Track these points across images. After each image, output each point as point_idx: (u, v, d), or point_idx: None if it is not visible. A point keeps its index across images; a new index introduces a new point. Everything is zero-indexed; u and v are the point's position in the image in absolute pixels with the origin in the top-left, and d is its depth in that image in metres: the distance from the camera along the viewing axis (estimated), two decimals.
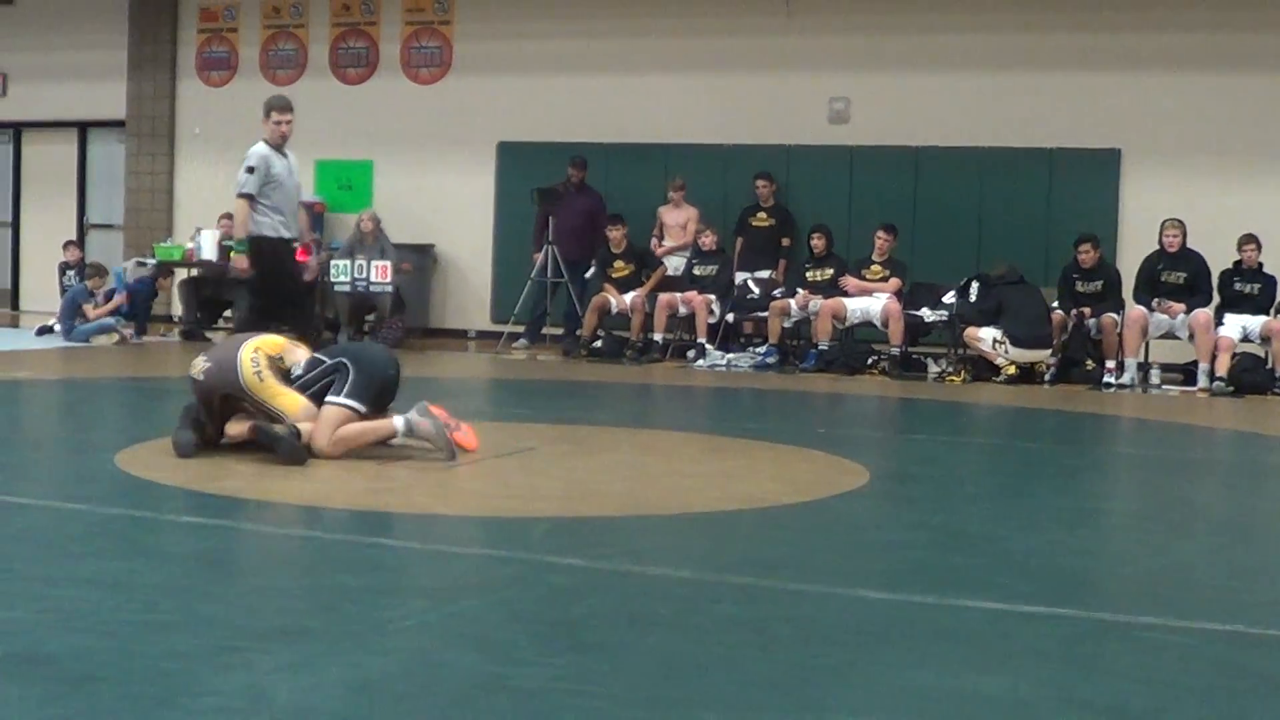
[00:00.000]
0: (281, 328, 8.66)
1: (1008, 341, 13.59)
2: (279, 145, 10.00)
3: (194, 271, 16.79)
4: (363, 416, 7.24)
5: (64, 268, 17.11)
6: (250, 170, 9.83)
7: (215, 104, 19.09)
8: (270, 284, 9.91)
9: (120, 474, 6.60)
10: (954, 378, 13.63)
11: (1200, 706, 3.52)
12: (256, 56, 18.97)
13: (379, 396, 7.35)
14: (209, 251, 16.30)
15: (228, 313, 17.03)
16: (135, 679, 3.43)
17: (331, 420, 7.15)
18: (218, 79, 19.16)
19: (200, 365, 7.30)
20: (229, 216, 16.58)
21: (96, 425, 9.40)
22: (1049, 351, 13.73)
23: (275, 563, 5.07)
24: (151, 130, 19.29)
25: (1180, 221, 13.75)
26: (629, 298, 15.29)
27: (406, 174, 18.03)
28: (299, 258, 10.23)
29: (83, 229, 20.00)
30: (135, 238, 18.97)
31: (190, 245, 16.66)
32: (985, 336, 13.66)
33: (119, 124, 19.51)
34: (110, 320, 15.41)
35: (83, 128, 20.15)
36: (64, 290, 16.26)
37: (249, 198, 9.80)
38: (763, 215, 15.95)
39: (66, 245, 17.65)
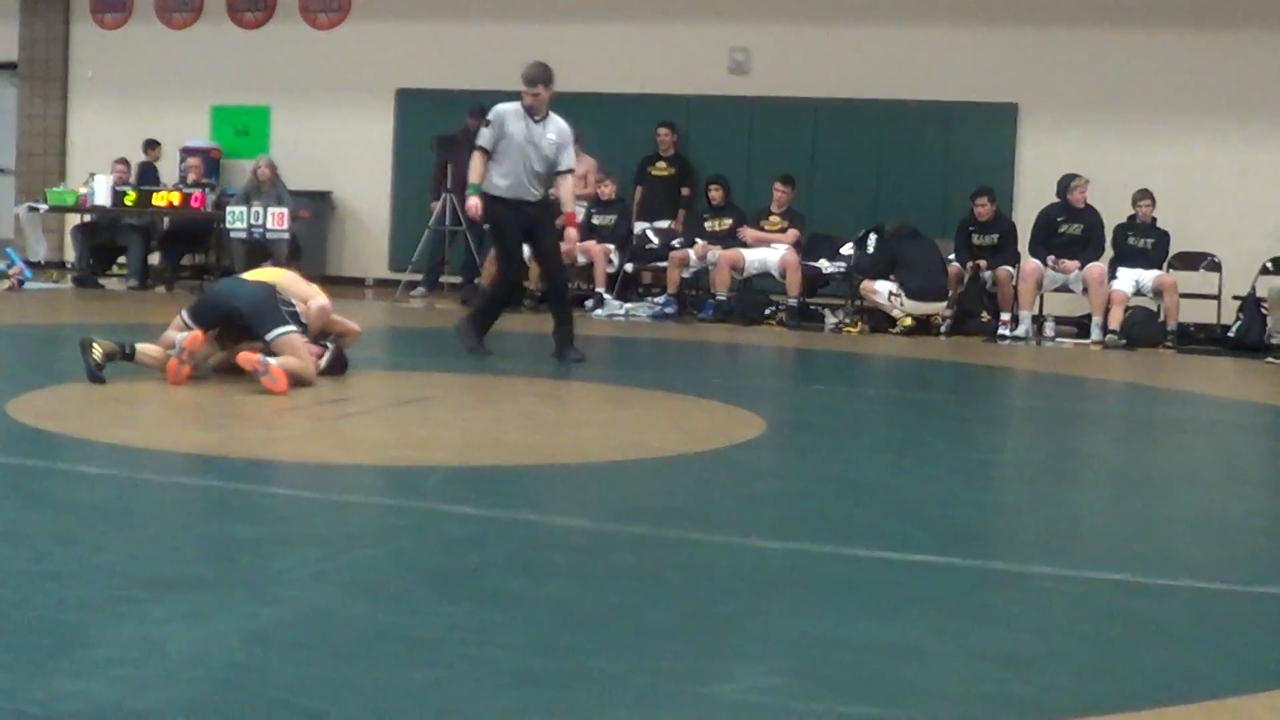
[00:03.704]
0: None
1: (903, 294, 13.69)
2: (530, 111, 10.00)
3: (87, 218, 16.56)
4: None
5: None
6: (486, 124, 10.12)
7: (109, 47, 18.76)
8: (496, 237, 10.53)
9: (12, 423, 6.50)
10: (851, 329, 13.72)
11: (1090, 653, 3.58)
12: None
13: (214, 319, 8.00)
14: (102, 197, 16.05)
15: (121, 259, 16.82)
16: (27, 630, 3.39)
17: (172, 323, 8.13)
18: (112, 21, 18.82)
19: None
20: (123, 161, 16.46)
21: None
22: (944, 304, 13.85)
23: (169, 512, 5.03)
24: (44, 73, 18.93)
25: (1084, 178, 13.86)
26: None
27: (304, 120, 17.82)
28: (567, 223, 10.35)
29: None
30: (27, 183, 18.64)
31: (84, 190, 16.39)
32: (881, 289, 13.75)
33: (10, 66, 19.14)
34: (1, 266, 15.19)
35: None
36: None
37: (480, 149, 10.05)
38: (662, 165, 15.92)
39: None
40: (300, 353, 7.88)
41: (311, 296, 8.34)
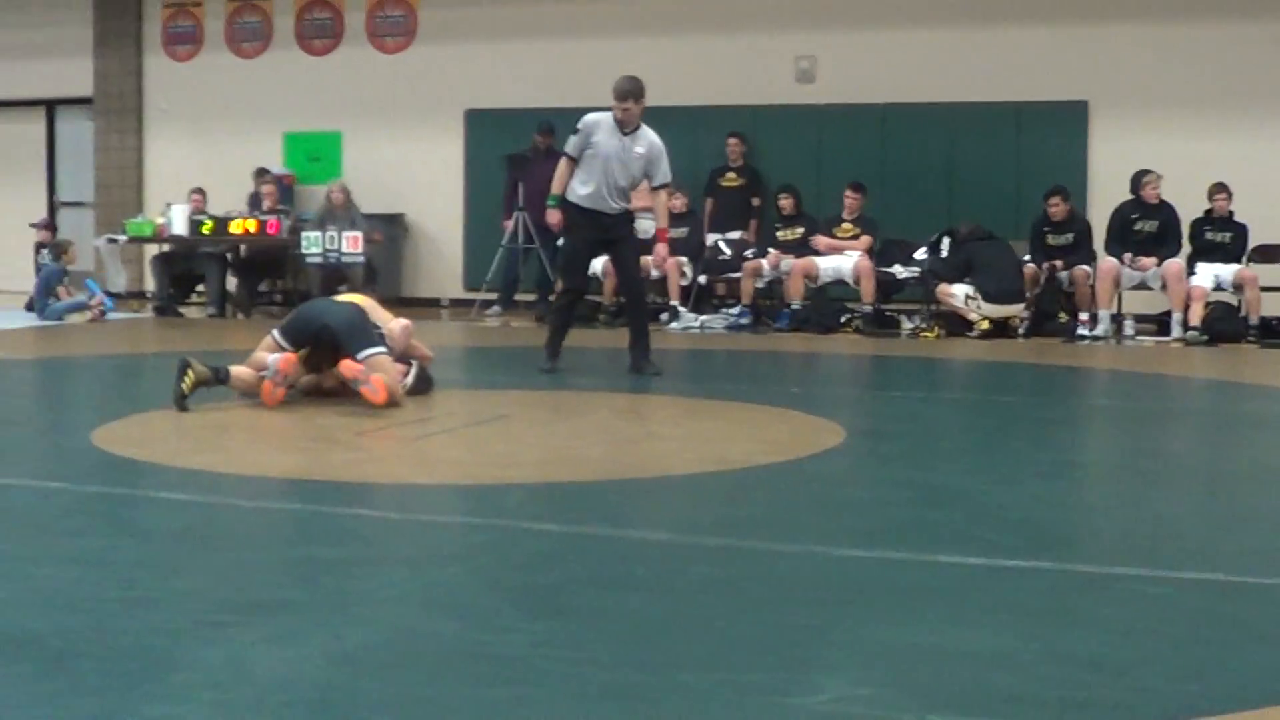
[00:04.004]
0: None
1: (980, 297, 13.62)
2: (621, 124, 9.97)
3: (165, 247, 16.72)
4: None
5: (38, 247, 17.01)
6: (574, 131, 10.11)
7: (182, 78, 18.98)
8: (566, 243, 10.69)
9: (97, 451, 6.57)
10: (928, 334, 13.65)
11: (1181, 655, 3.54)
12: (222, 30, 18.84)
13: (303, 339, 8.08)
14: (180, 227, 16.21)
15: (200, 288, 16.98)
16: (117, 655, 3.42)
17: (262, 343, 8.20)
18: (184, 53, 19.03)
19: None
20: (199, 191, 16.61)
21: (72, 403, 9.37)
22: (1022, 306, 13.77)
23: (254, 536, 5.06)
24: (119, 107, 19.16)
25: (1157, 173, 13.77)
26: (600, 262, 15.25)
27: (375, 144, 17.94)
28: (658, 238, 10.41)
29: (53, 207, 19.89)
30: (106, 215, 18.85)
31: (161, 221, 16.56)
32: (958, 293, 13.69)
33: (86, 101, 19.38)
34: (83, 298, 15.38)
35: (50, 106, 20.01)
36: (39, 269, 16.18)
37: (566, 156, 10.10)
38: (732, 175, 15.92)
39: (38, 226, 17.50)
40: (391, 372, 7.98)
41: (389, 319, 8.40)
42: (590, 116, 10.08)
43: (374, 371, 7.81)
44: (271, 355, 7.95)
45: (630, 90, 9.92)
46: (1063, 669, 3.40)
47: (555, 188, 10.19)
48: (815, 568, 4.44)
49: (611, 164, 9.93)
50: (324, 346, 8.06)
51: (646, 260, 14.95)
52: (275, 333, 8.16)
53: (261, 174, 17.05)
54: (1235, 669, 3.44)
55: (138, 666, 3.34)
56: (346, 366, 7.81)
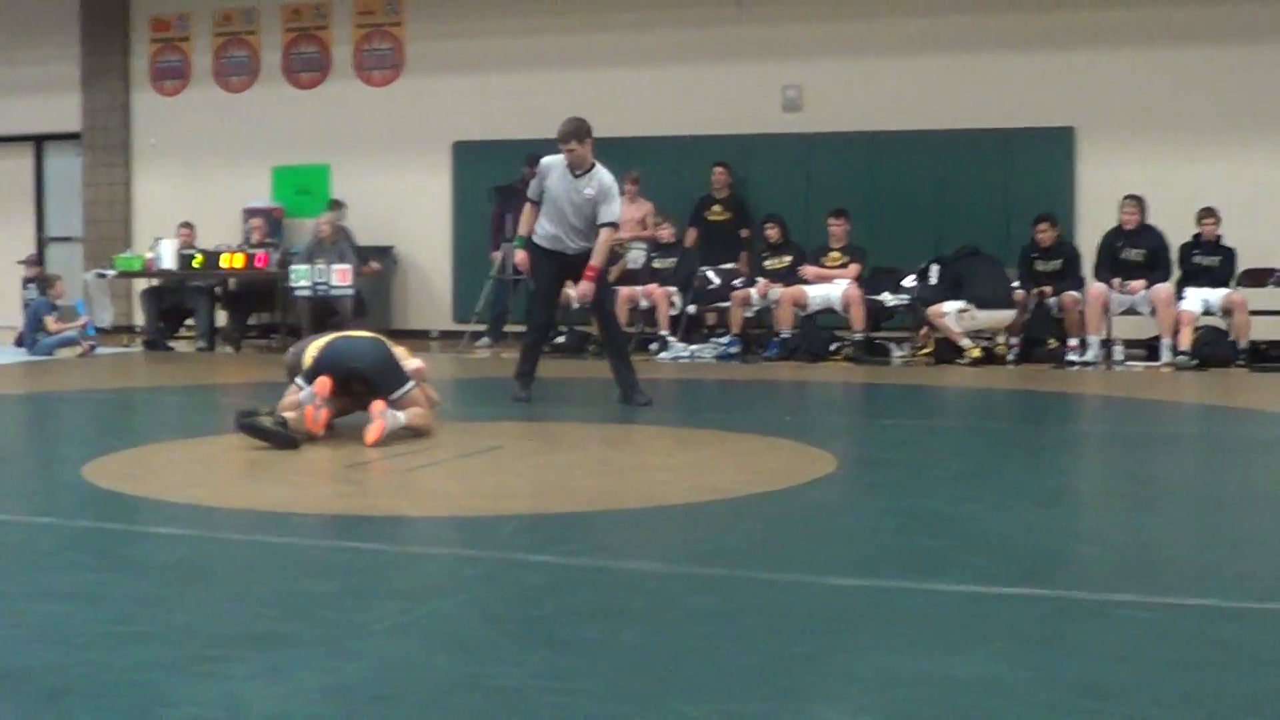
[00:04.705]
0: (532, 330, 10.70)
1: (973, 307, 13.65)
2: (570, 166, 10.03)
3: (154, 282, 16.72)
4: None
5: (25, 282, 17.01)
6: (534, 174, 10.31)
7: (170, 113, 19.03)
8: (533, 281, 10.78)
9: (88, 486, 6.56)
10: (922, 352, 13.76)
11: (1176, 681, 3.53)
12: (209, 64, 18.90)
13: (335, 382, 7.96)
14: (169, 261, 16.23)
15: (189, 321, 16.97)
16: (110, 691, 3.41)
17: (286, 397, 8.07)
18: (171, 88, 19.08)
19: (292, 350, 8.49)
20: (188, 226, 16.63)
21: (62, 438, 9.34)
22: (1014, 313, 13.79)
23: (246, 570, 5.04)
24: (107, 142, 19.21)
25: (1138, 198, 13.86)
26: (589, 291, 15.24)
27: (363, 176, 17.98)
28: (584, 276, 10.17)
29: (42, 242, 19.89)
30: (95, 250, 18.88)
31: (150, 255, 16.58)
32: (949, 310, 13.71)
33: (75, 136, 19.41)
34: (73, 333, 15.36)
35: (38, 141, 20.04)
36: (26, 305, 16.18)
37: (529, 201, 10.29)
38: (718, 208, 15.91)
39: (26, 261, 17.50)
40: (423, 405, 8.11)
41: (405, 357, 8.38)
42: (546, 159, 10.20)
43: (408, 407, 7.99)
44: (306, 388, 7.90)
45: (571, 132, 9.96)
46: (1058, 695, 3.39)
47: (521, 229, 10.37)
48: (810, 597, 4.43)
49: (564, 206, 10.04)
50: (349, 387, 8.11)
51: (636, 291, 15.07)
52: (299, 381, 8.04)
53: (336, 205, 17.08)
54: (1231, 693, 3.44)
55: (130, 703, 3.32)
56: (375, 405, 7.88)
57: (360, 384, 8.07)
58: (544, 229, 10.16)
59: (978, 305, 13.68)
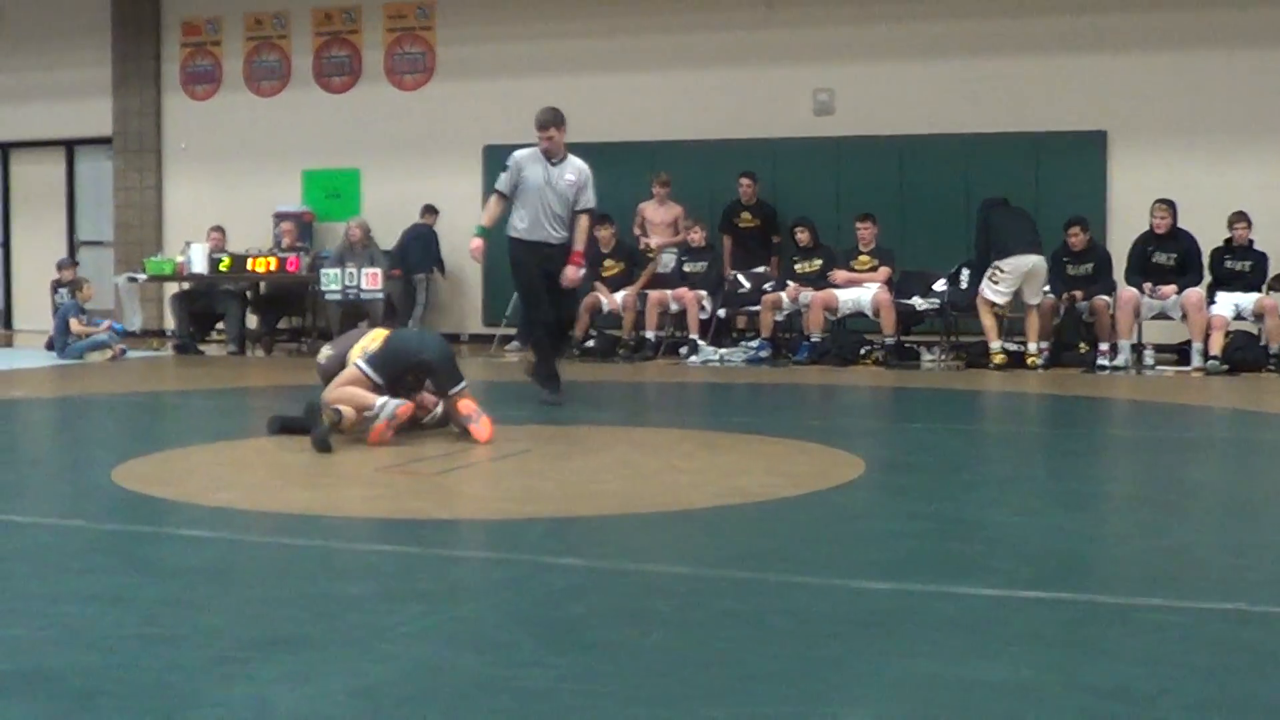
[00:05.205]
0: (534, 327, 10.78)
1: (1001, 265, 13.59)
2: (547, 154, 10.30)
3: (185, 285, 16.78)
4: (379, 387, 8.01)
5: (55, 286, 17.08)
6: (504, 169, 10.49)
7: (201, 117, 19.10)
8: (517, 280, 10.78)
9: (117, 489, 6.59)
10: (957, 361, 13.79)
11: (1204, 685, 3.52)
12: (240, 69, 18.95)
13: (397, 372, 8.11)
14: (199, 265, 16.29)
15: (220, 325, 17.03)
16: (138, 693, 3.43)
17: (344, 376, 8.10)
18: (202, 92, 19.15)
19: (324, 353, 8.68)
20: (218, 229, 16.69)
21: (92, 442, 9.38)
22: (1041, 258, 13.69)
23: (274, 573, 5.06)
24: (138, 146, 19.28)
25: (1169, 202, 13.79)
26: (620, 296, 15.30)
27: (394, 180, 18.01)
28: (570, 261, 10.41)
29: (73, 247, 19.99)
30: (126, 254, 18.96)
31: (181, 259, 16.63)
32: (985, 290, 13.66)
33: (106, 141, 19.50)
34: (103, 337, 15.41)
35: (70, 146, 20.14)
36: (56, 308, 16.25)
37: (497, 193, 10.50)
38: (747, 215, 15.91)
39: (60, 265, 17.56)
40: (474, 407, 8.19)
41: None
42: (518, 153, 10.49)
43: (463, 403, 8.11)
44: (384, 399, 7.93)
45: (550, 120, 10.30)
46: (1085, 700, 3.38)
47: (484, 220, 10.65)
48: (836, 600, 4.43)
49: (545, 194, 10.27)
50: (407, 379, 8.21)
51: (666, 295, 15.07)
52: (360, 363, 8.14)
53: (428, 211, 17.35)
54: (1258, 698, 3.43)
55: (159, 704, 3.34)
56: (465, 405, 8.06)
57: (414, 376, 8.15)
58: (520, 224, 10.37)
59: (1006, 254, 13.61)
